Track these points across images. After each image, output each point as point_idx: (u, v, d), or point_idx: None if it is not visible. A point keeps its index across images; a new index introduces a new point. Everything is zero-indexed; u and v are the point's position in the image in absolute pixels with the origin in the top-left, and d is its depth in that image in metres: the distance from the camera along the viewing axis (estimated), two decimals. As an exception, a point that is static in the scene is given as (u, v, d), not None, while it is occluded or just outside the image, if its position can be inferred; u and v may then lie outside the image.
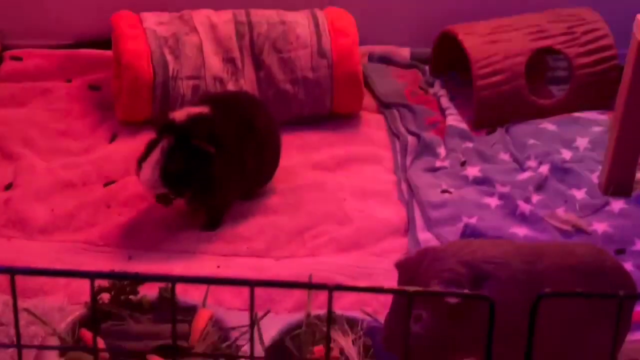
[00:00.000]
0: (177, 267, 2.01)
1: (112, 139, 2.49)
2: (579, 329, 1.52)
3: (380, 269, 2.03)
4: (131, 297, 1.61)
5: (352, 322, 1.59)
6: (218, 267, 2.03)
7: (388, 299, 1.62)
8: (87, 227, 2.15)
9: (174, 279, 0.90)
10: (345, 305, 1.89)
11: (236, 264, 2.05)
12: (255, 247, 2.11)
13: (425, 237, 2.14)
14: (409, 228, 2.19)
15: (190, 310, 1.59)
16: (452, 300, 1.39)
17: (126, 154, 2.37)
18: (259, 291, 1.94)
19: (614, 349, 1.54)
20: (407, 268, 1.49)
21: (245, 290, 1.94)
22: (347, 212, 2.24)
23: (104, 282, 1.62)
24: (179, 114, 2.07)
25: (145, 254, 2.07)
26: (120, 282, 1.61)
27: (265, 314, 1.57)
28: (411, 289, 0.89)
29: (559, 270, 1.50)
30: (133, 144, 2.40)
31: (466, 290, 1.40)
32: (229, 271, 2.01)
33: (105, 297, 1.60)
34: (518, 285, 1.47)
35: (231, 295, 1.92)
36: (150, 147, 2.04)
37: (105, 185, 2.30)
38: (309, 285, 0.92)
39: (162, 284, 1.64)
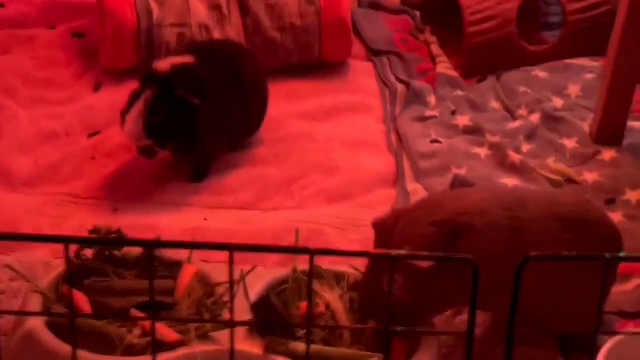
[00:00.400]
0: (163, 219, 1.99)
1: (96, 87, 2.44)
2: (563, 279, 1.50)
3: (369, 221, 2.01)
4: (115, 252, 1.58)
5: (339, 277, 1.57)
6: (205, 219, 2.01)
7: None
8: (71, 179, 2.12)
9: (152, 243, 0.88)
10: (332, 257, 1.87)
11: (223, 216, 2.03)
12: (242, 199, 2.08)
13: (414, 188, 2.12)
14: (397, 178, 2.17)
15: (175, 266, 1.57)
16: (423, 265, 1.38)
17: (110, 103, 2.33)
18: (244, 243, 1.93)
19: (601, 302, 1.54)
20: (381, 231, 1.47)
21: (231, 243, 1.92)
22: (335, 162, 2.21)
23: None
24: (162, 64, 2.02)
25: (130, 205, 2.04)
26: (105, 235, 1.58)
27: (251, 270, 1.55)
28: (394, 252, 0.87)
29: (542, 219, 1.48)
30: (117, 93, 2.35)
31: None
32: (215, 223, 1.98)
33: (88, 252, 1.58)
34: (498, 232, 1.45)
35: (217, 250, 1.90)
36: (133, 99, 2.00)
37: (90, 135, 2.26)
38: (291, 250, 0.89)
39: (146, 238, 1.61)
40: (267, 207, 2.07)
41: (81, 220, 1.97)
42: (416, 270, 1.39)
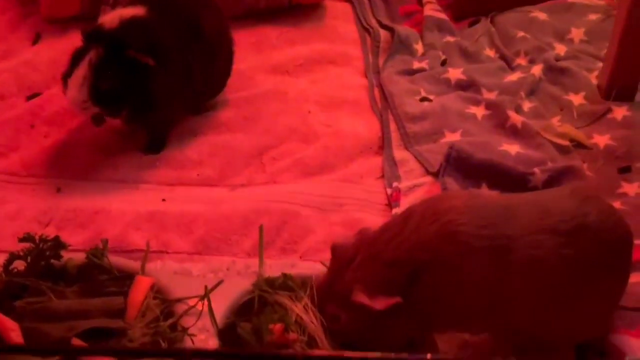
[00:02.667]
0: (115, 202, 1.71)
1: (36, 40, 2.13)
2: (566, 290, 1.28)
3: (352, 199, 1.75)
4: (53, 261, 1.32)
5: (306, 283, 1.32)
6: (163, 200, 1.74)
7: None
8: (7, 153, 1.83)
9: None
10: (311, 245, 1.62)
11: (184, 196, 1.75)
12: (206, 174, 1.81)
13: (403, 156, 1.86)
14: (383, 145, 1.90)
15: (126, 279, 1.30)
16: (377, 306, 1.18)
17: (52, 58, 2.05)
18: (212, 230, 1.66)
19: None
20: (339, 259, 1.26)
21: (195, 230, 1.66)
22: (312, 127, 1.94)
23: (18, 246, 1.33)
24: (109, 19, 1.72)
25: (76, 185, 1.76)
26: (39, 244, 1.31)
27: (217, 285, 1.29)
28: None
29: (534, 233, 1.25)
30: (60, 46, 2.07)
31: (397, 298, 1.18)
32: (175, 205, 1.72)
33: (20, 264, 1.31)
34: (474, 258, 1.22)
35: (178, 236, 1.64)
36: (76, 60, 1.71)
37: (29, 98, 1.97)
38: None
39: (90, 246, 1.35)
40: (235, 183, 1.80)
41: (19, 205, 1.70)
42: (368, 312, 1.19)
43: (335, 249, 1.27)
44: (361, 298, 1.19)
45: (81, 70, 1.68)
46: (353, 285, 1.21)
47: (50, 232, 1.58)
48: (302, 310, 1.26)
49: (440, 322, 1.27)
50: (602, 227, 1.29)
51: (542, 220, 1.26)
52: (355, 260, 1.23)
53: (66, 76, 1.71)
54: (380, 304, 1.18)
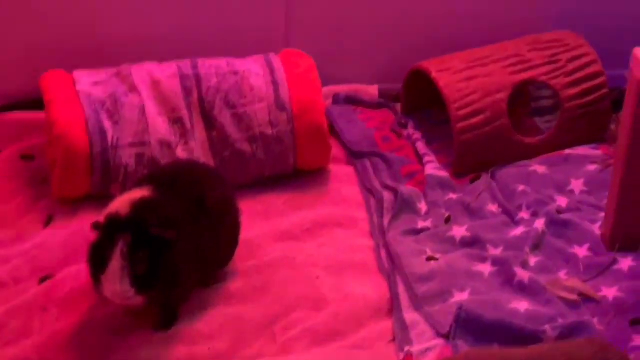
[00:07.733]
0: (128, 383, 1.71)
1: (48, 221, 2.17)
2: None
3: (364, 366, 1.75)
4: None
5: None
6: (175, 378, 1.74)
7: None
8: (19, 339, 1.82)
9: None
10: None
11: (197, 372, 1.75)
12: (218, 348, 1.81)
13: (413, 318, 1.86)
14: (393, 307, 1.91)
15: None
16: None
17: (64, 239, 2.08)
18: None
19: None
20: None
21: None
22: (321, 292, 1.96)
23: None
24: (119, 205, 1.76)
25: (89, 368, 1.77)
26: None
27: None
28: None
29: None
30: (71, 227, 2.11)
31: None
32: (188, 383, 1.71)
33: None
34: None
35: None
36: (99, 254, 1.72)
37: (41, 281, 1.99)
38: None
39: None
40: (247, 355, 1.80)
41: (31, 391, 1.70)
42: None
43: None
44: None
45: (115, 263, 1.70)
46: None
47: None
48: None
49: None
50: None
51: None
52: None
53: (97, 272, 1.73)
54: None
